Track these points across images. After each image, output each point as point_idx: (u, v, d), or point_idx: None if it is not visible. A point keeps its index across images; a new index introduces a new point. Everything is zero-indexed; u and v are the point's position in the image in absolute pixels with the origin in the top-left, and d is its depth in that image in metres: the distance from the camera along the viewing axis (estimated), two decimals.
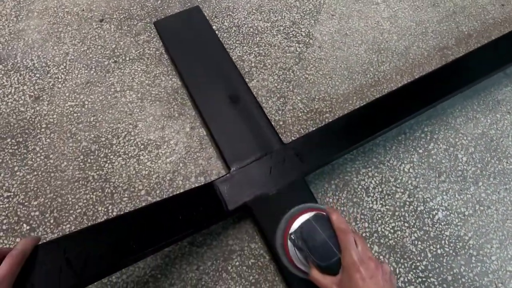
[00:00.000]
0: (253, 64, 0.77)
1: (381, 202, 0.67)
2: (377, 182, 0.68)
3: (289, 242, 0.47)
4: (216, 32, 0.80)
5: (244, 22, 0.82)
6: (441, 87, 0.69)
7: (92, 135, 0.69)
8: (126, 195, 0.64)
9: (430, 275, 0.62)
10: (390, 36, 0.84)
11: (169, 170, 0.66)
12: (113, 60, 0.77)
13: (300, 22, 0.83)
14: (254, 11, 0.84)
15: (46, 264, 0.41)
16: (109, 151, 0.67)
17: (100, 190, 0.64)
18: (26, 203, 0.62)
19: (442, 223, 0.66)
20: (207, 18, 0.81)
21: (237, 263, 0.60)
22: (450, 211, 0.67)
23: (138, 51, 0.78)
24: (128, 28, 0.81)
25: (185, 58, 0.69)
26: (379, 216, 0.65)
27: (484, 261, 0.63)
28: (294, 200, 0.55)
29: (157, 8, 0.84)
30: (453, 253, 0.64)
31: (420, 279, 0.61)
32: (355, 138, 0.61)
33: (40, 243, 0.45)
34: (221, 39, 0.79)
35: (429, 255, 0.63)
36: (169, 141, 0.69)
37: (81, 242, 0.44)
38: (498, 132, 0.75)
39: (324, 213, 0.46)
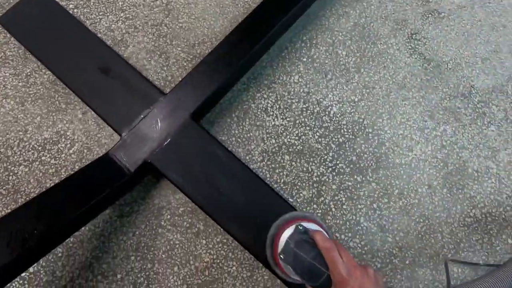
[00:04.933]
0: (124, 31, 0.75)
1: (281, 117, 0.72)
2: (273, 101, 0.73)
3: (279, 261, 0.48)
4: (75, 9, 0.76)
5: None
6: None
7: None
8: None
9: (338, 162, 0.69)
10: None
11: (75, 160, 0.66)
12: None
13: None
14: None
15: None
16: (8, 163, 0.66)
17: (13, 203, 0.64)
18: None
19: (338, 115, 0.73)
20: None
21: (168, 216, 0.64)
22: (342, 103, 0.73)
23: (0, 56, 0.73)
24: None
25: (45, 47, 0.66)
26: (283, 129, 0.71)
27: (379, 134, 0.72)
28: (190, 142, 0.59)
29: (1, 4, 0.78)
30: (353, 137, 0.71)
31: (330, 169, 0.69)
32: (231, 64, 0.64)
33: None
34: (82, 15, 0.76)
35: (333, 146, 0.70)
36: (66, 133, 0.68)
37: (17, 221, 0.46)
38: (367, 19, 0.81)
39: (302, 226, 0.48)
